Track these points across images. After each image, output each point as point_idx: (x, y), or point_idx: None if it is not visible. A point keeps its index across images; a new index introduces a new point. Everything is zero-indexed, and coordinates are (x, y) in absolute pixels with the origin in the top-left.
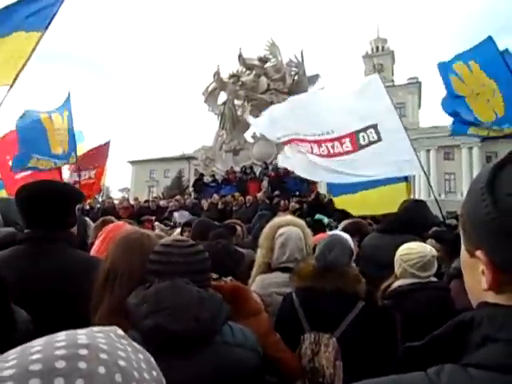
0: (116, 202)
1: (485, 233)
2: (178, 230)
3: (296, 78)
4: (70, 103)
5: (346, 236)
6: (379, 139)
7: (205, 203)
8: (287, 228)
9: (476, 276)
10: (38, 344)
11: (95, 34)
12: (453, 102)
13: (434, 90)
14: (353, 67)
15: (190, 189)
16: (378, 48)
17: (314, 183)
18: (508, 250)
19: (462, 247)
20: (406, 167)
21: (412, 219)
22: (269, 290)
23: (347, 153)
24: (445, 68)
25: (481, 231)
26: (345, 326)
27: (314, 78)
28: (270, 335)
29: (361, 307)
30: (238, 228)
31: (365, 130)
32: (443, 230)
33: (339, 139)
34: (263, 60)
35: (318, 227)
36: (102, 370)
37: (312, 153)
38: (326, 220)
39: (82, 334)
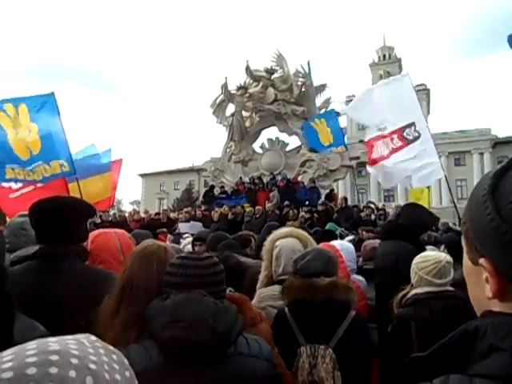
0: (127, 214)
1: (488, 241)
2: (188, 240)
3: (303, 88)
4: (40, 100)
5: (349, 245)
6: (419, 136)
7: (215, 214)
8: (283, 240)
9: (480, 284)
10: (9, 353)
11: (100, 48)
12: None
13: (443, 97)
14: (360, 76)
15: (200, 200)
16: (384, 56)
17: (333, 191)
18: (511, 258)
19: (465, 256)
20: (434, 173)
21: (403, 225)
22: (264, 303)
23: (399, 148)
24: None
25: (484, 239)
26: (339, 335)
27: (320, 88)
28: None
29: (353, 316)
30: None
31: (409, 126)
32: (429, 235)
33: (390, 135)
34: (270, 71)
35: (328, 237)
36: (72, 373)
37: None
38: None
39: (53, 342)
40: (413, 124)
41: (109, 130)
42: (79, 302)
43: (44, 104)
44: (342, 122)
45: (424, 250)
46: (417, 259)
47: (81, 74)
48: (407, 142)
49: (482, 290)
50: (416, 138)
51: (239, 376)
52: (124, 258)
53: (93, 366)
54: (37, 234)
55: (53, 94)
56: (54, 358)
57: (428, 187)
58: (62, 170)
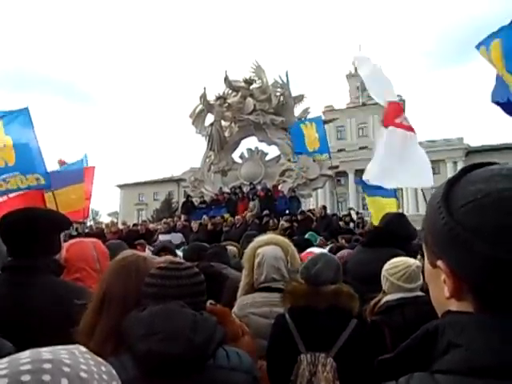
0: (104, 226)
1: (443, 243)
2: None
3: (281, 98)
4: (14, 115)
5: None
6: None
7: (194, 225)
8: (265, 248)
9: (439, 286)
10: (3, 361)
11: (72, 56)
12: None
13: (418, 107)
14: (337, 87)
15: (179, 211)
16: None
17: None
18: (464, 258)
19: (425, 260)
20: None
21: (394, 233)
22: (245, 310)
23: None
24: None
25: (440, 242)
26: (340, 344)
27: (299, 98)
28: None
29: (354, 324)
30: (234, 249)
31: None
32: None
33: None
34: (249, 82)
35: (307, 246)
36: (64, 381)
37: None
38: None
39: (45, 351)
40: None
41: (84, 141)
42: (50, 316)
43: (18, 118)
44: None
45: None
46: (386, 266)
47: (53, 82)
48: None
49: (441, 292)
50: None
51: None
52: (100, 266)
53: (84, 375)
54: (7, 247)
55: (27, 108)
56: (47, 366)
57: (397, 198)
58: (38, 183)
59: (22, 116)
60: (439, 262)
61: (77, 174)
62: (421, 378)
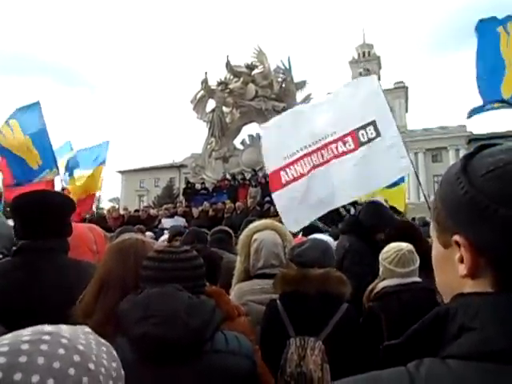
0: (105, 212)
1: (462, 214)
2: (164, 237)
3: (283, 84)
4: (26, 112)
5: (328, 238)
6: (378, 135)
7: (195, 211)
8: (262, 233)
9: (453, 267)
10: (8, 336)
11: (71, 42)
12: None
13: (421, 94)
14: (340, 73)
15: (181, 197)
16: (364, 54)
17: None
18: (485, 227)
19: (435, 243)
20: (402, 168)
21: (360, 222)
22: (244, 298)
23: (350, 151)
24: (492, 25)
25: (458, 214)
26: (330, 328)
27: (301, 84)
28: None
29: (345, 309)
30: None
31: (364, 127)
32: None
33: (342, 138)
34: (251, 67)
35: (312, 231)
36: (61, 351)
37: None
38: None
39: (48, 326)
40: (372, 123)
41: (84, 127)
42: (65, 296)
43: (31, 115)
44: None
45: (377, 249)
46: (382, 251)
47: (52, 68)
48: (360, 144)
49: (454, 273)
50: (371, 140)
51: (215, 373)
52: (97, 247)
53: (81, 348)
54: (19, 228)
55: (38, 103)
56: (46, 337)
57: (403, 181)
58: (54, 175)
59: (34, 112)
60: (456, 237)
61: (96, 158)
62: (431, 364)
